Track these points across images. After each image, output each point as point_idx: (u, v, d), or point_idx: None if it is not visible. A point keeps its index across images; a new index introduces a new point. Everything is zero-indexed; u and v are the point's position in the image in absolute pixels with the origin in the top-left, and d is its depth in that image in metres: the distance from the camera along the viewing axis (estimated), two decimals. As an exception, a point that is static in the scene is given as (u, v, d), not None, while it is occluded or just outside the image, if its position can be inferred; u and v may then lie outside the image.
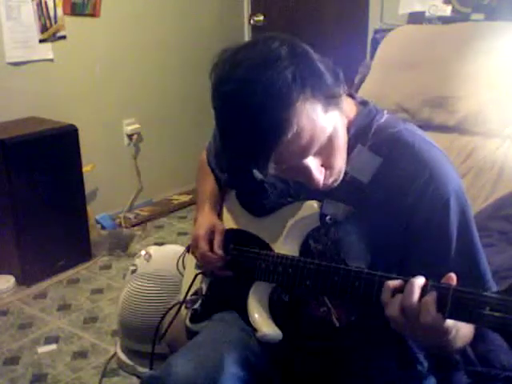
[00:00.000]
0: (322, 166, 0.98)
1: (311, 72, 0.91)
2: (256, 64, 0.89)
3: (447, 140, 1.91)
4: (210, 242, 1.23)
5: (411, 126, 1.10)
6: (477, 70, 1.96)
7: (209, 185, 1.38)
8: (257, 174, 1.17)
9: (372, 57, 2.39)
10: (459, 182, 1.05)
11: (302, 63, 0.90)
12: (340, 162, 1.01)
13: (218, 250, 1.21)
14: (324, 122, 0.92)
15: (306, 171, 0.96)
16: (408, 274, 0.90)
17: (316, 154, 0.95)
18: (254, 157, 0.93)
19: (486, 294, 0.81)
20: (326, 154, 0.97)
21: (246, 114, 0.89)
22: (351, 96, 1.11)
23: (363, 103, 1.11)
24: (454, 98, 1.96)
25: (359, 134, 1.06)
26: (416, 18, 2.95)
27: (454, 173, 1.05)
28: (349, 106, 1.06)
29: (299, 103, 0.88)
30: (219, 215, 1.32)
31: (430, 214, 1.01)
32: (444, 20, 2.79)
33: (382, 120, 1.08)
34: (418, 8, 2.94)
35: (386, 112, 1.10)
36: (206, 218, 1.28)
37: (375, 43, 2.61)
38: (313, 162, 0.96)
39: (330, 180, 1.01)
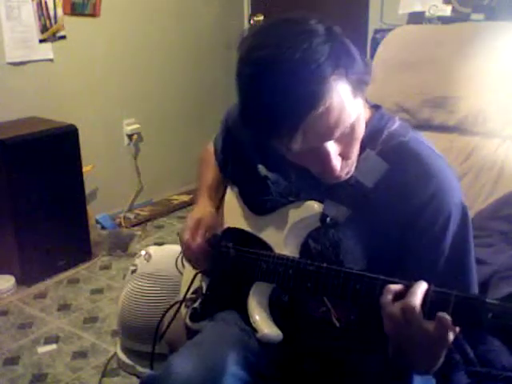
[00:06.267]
0: (340, 154, 0.97)
1: (346, 53, 0.91)
2: (293, 34, 0.89)
3: (447, 140, 1.91)
4: (195, 232, 1.23)
5: (421, 136, 1.09)
6: (477, 70, 1.96)
7: (209, 176, 1.37)
8: (261, 169, 1.18)
9: (372, 57, 2.39)
10: (462, 197, 1.04)
11: (338, 43, 0.90)
12: (355, 154, 1.00)
13: (197, 238, 1.22)
14: (351, 106, 0.92)
15: (325, 156, 0.95)
16: (402, 279, 0.90)
17: (337, 140, 0.95)
18: (280, 129, 0.90)
19: (488, 300, 0.81)
20: (345, 142, 0.96)
21: (279, 81, 0.87)
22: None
23: (375, 107, 1.11)
24: (454, 98, 1.96)
25: (370, 138, 1.05)
26: (416, 18, 2.95)
27: (458, 188, 1.05)
28: (363, 109, 1.06)
29: (333, 79, 0.88)
30: (219, 209, 1.32)
31: (429, 226, 1.00)
32: (444, 20, 2.79)
33: (394, 127, 1.08)
34: (417, 8, 2.95)
35: (397, 119, 1.10)
36: (198, 211, 1.29)
37: (375, 43, 2.61)
38: (333, 147, 0.95)
39: (344, 171, 1.00)
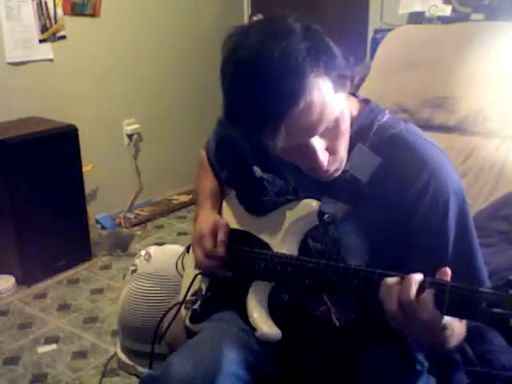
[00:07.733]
0: (327, 149, 0.98)
1: (325, 49, 0.92)
2: (272, 34, 0.90)
3: (447, 140, 1.91)
4: (214, 239, 1.22)
5: (412, 127, 1.09)
6: (477, 70, 1.96)
7: (209, 182, 1.37)
8: (256, 170, 1.18)
9: (372, 57, 2.39)
10: (459, 183, 1.05)
11: (316, 40, 0.92)
12: (343, 148, 1.01)
13: (220, 247, 1.19)
14: (333, 101, 0.93)
15: (311, 152, 0.96)
16: (406, 273, 0.90)
17: (322, 136, 0.95)
18: (263, 126, 0.91)
19: (482, 289, 0.81)
20: (331, 136, 0.97)
21: (260, 80, 0.89)
22: (353, 94, 1.11)
23: (365, 101, 1.11)
24: (454, 98, 1.97)
25: (360, 132, 1.06)
26: (416, 18, 2.96)
27: (454, 174, 1.05)
28: (351, 104, 1.06)
29: (312, 76, 0.89)
30: (219, 213, 1.32)
31: (429, 214, 1.01)
32: (444, 20, 2.79)
33: (384, 120, 1.08)
34: (417, 8, 2.95)
35: (387, 112, 1.10)
36: (208, 216, 1.28)
37: (375, 43, 2.61)
38: (318, 142, 0.96)
39: (333, 167, 1.01)
